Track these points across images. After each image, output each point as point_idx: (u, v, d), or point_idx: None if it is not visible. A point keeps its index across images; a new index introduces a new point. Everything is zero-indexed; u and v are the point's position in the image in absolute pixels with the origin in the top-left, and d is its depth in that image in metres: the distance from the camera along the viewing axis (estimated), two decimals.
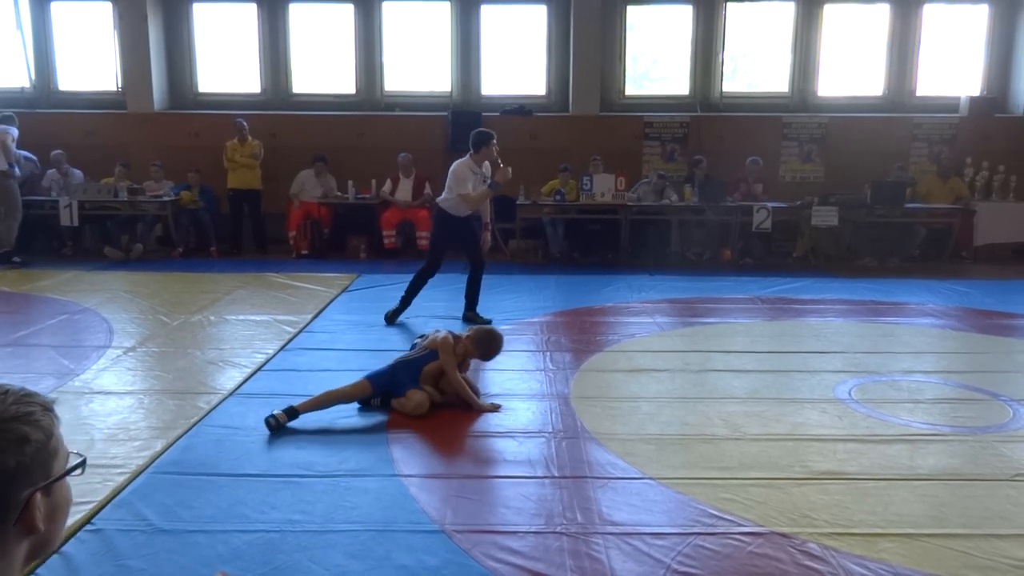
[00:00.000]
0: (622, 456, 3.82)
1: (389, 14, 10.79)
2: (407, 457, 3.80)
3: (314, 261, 9.44)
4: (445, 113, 10.40)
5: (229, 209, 9.82)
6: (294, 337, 5.93)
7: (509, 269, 9.01)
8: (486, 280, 7.46)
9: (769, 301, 7.45)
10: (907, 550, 2.96)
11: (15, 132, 9.04)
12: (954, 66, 10.87)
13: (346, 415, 4.33)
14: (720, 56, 10.75)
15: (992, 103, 10.53)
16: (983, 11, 10.66)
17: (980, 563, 2.88)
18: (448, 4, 10.71)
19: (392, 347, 5.69)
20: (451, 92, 10.89)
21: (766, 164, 10.07)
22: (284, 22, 10.75)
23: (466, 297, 6.68)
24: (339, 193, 10.06)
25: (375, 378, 4.43)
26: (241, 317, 6.54)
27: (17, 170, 9.00)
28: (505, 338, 5.52)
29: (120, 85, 10.76)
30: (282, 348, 5.63)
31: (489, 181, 6.45)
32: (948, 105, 10.64)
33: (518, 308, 7.01)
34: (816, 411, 4.43)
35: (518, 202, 9.65)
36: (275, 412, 4.12)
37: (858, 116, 10.55)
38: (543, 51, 10.84)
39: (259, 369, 5.14)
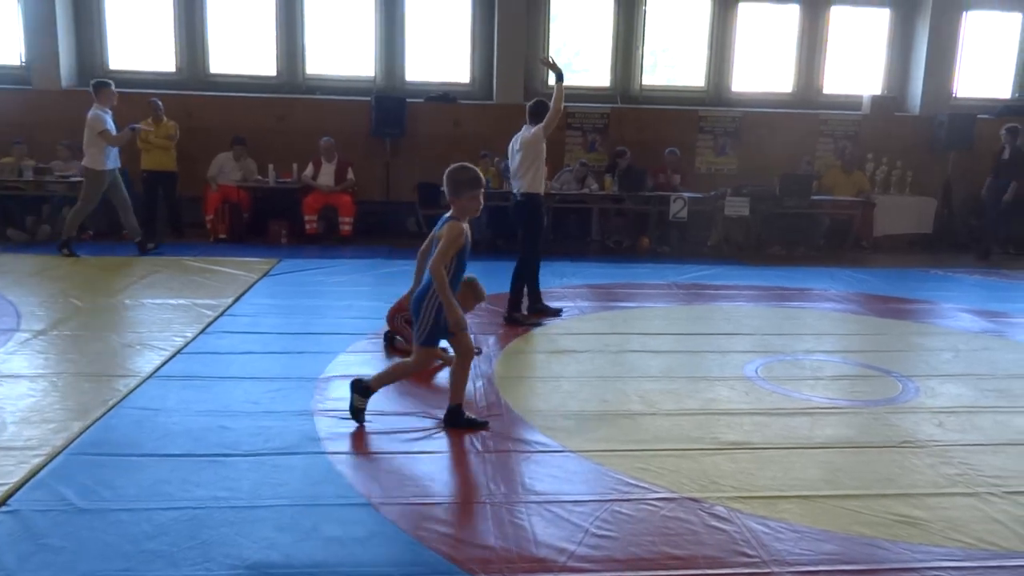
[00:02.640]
0: (544, 431, 3.96)
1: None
2: (334, 434, 3.84)
3: (233, 245, 9.26)
4: (368, 98, 10.34)
5: (143, 191, 9.51)
6: (214, 320, 5.84)
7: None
8: (408, 266, 7.44)
9: (684, 287, 7.75)
10: (804, 510, 3.21)
11: None
12: (858, 66, 11.47)
13: (271, 394, 4.33)
14: (640, 49, 11.03)
15: (892, 102, 11.16)
16: (885, 15, 11.27)
17: (868, 519, 3.15)
18: None
19: (317, 330, 5.70)
20: (375, 77, 10.82)
21: (683, 156, 10.42)
22: None
23: (530, 293, 6.23)
24: (259, 177, 9.90)
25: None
26: (158, 301, 6.39)
27: None
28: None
29: (24, 59, 10.25)
30: (202, 331, 5.55)
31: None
32: (852, 103, 11.22)
33: None
34: (726, 388, 4.69)
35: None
36: (353, 402, 3.95)
37: (769, 111, 11.02)
38: (467, 39, 10.89)
39: (179, 352, 5.06)
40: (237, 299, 6.55)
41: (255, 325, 5.83)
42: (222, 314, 6.04)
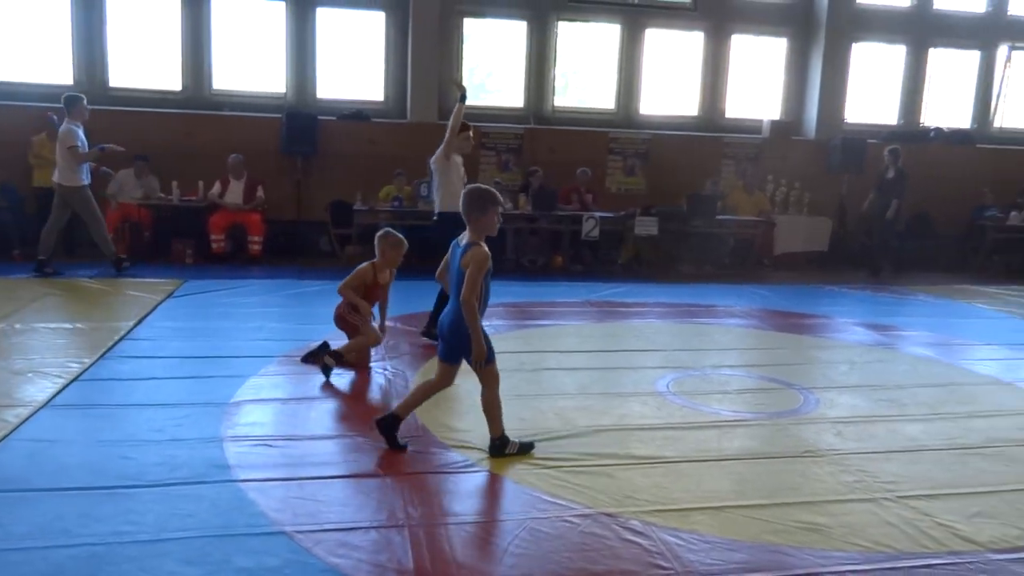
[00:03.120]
0: (462, 451, 3.96)
1: (218, 9, 10.38)
2: (244, 461, 3.73)
3: (133, 266, 8.87)
4: (279, 115, 10.14)
5: (36, 209, 9.02)
6: (114, 345, 5.58)
7: (346, 275, 8.89)
8: (320, 286, 7.39)
9: (597, 304, 7.90)
10: (715, 521, 3.31)
11: None
12: (758, 92, 12.02)
13: (177, 421, 4.16)
14: (552, 71, 11.24)
15: (789, 127, 11.74)
16: (782, 44, 11.86)
17: (775, 527, 3.27)
18: (283, 4, 10.47)
19: (226, 353, 5.52)
20: (285, 93, 10.64)
21: (594, 176, 10.65)
22: (101, 8, 10.05)
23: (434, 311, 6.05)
24: (162, 195, 9.55)
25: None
26: (52, 325, 6.06)
27: None
28: (343, 343, 5.52)
29: None
30: (101, 357, 5.29)
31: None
32: (753, 127, 11.74)
33: None
34: (639, 403, 4.80)
35: (355, 207, 9.60)
36: (393, 444, 3.87)
37: (676, 134, 11.40)
38: (381, 58, 10.85)
39: (75, 379, 4.81)
40: (139, 322, 6.28)
41: (159, 349, 5.60)
42: (123, 338, 5.77)
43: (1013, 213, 11.28)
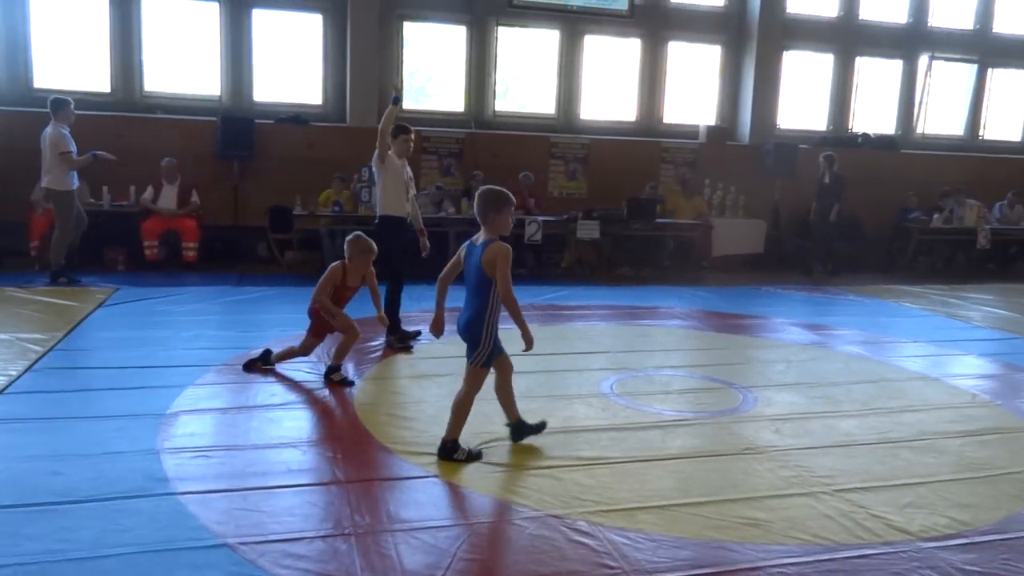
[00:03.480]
0: (407, 457, 3.93)
1: (150, 9, 10.10)
2: (184, 473, 3.62)
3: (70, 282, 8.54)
4: (214, 118, 9.92)
5: None
6: (42, 356, 5.36)
7: (285, 281, 8.78)
8: (260, 293, 7.26)
9: (540, 308, 7.94)
10: (660, 519, 3.36)
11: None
12: (694, 98, 12.28)
13: (111, 434, 4.02)
14: (492, 76, 11.28)
15: (724, 132, 12.02)
16: (716, 51, 12.14)
17: (717, 524, 3.34)
18: (216, 5, 10.25)
19: (161, 363, 5.36)
20: (220, 96, 10.42)
21: (536, 180, 10.71)
22: (24, 6, 9.67)
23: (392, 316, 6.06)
24: (92, 200, 9.22)
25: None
26: None
27: None
28: (286, 349, 5.44)
29: None
30: (28, 369, 5.08)
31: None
32: (690, 132, 11.98)
33: (297, 320, 6.84)
34: (584, 405, 4.84)
35: (294, 212, 9.45)
36: (458, 456, 3.86)
37: (616, 139, 11.56)
38: (319, 60, 10.72)
39: (0, 393, 4.60)
40: (69, 332, 6.05)
41: (91, 360, 5.41)
42: (51, 349, 5.55)
43: (936, 215, 11.78)
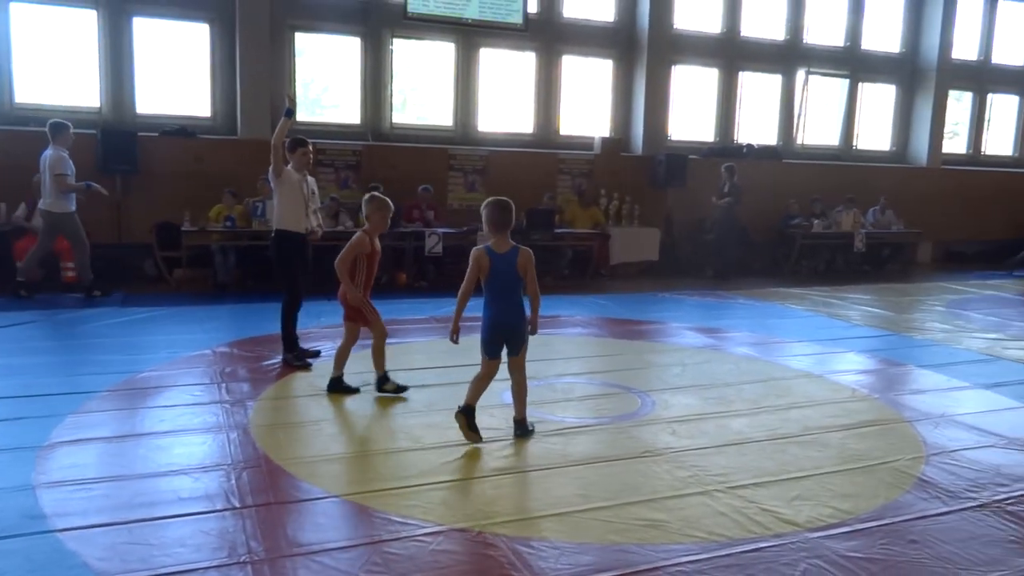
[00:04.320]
0: (306, 479, 3.83)
1: (20, 17, 9.51)
2: (63, 509, 3.41)
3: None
4: (93, 131, 9.43)
5: None
6: None
7: (176, 300, 8.42)
8: (147, 313, 6.94)
9: (443, 320, 7.90)
10: (564, 526, 3.40)
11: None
12: (589, 110, 12.56)
13: None
14: (388, 88, 11.20)
15: (618, 144, 12.34)
16: (608, 65, 12.47)
17: (618, 527, 3.41)
18: (94, 12, 9.77)
19: (39, 391, 5.03)
20: (100, 108, 9.91)
21: (436, 192, 10.69)
22: None
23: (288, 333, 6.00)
24: None
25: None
26: None
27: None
28: (177, 373, 5.23)
29: None
30: None
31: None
32: (585, 144, 12.24)
33: (188, 341, 6.58)
34: (486, 416, 4.82)
35: (183, 228, 9.08)
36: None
37: (513, 151, 11.68)
38: (207, 71, 10.37)
39: None
40: None
41: None
42: None
43: (816, 221, 12.45)
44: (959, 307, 9.56)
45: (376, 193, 5.44)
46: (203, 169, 9.77)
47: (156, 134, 9.76)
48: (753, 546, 3.29)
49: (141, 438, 4.34)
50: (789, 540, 3.35)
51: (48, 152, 7.90)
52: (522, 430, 4.48)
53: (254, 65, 10.13)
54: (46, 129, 8.02)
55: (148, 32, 10.09)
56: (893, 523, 3.55)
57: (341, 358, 5.31)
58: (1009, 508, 3.74)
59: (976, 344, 7.42)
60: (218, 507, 3.51)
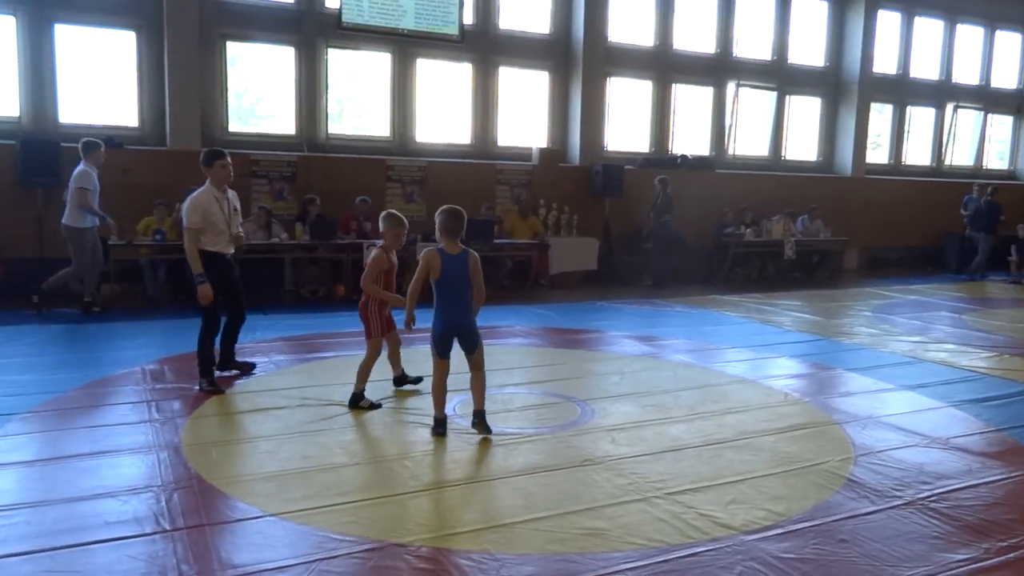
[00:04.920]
0: (241, 498, 3.73)
1: None
2: None
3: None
4: (12, 142, 9.05)
5: None
6: None
7: (102, 317, 8.13)
8: (75, 329, 6.70)
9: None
10: (504, 538, 3.39)
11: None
12: (526, 121, 12.64)
13: None
14: (324, 98, 11.07)
15: (556, 154, 12.45)
16: (545, 77, 12.58)
17: (560, 537, 3.42)
18: (12, 19, 9.39)
19: None
20: (20, 118, 9.53)
21: (373, 203, 10.58)
22: None
23: (221, 350, 5.86)
24: None
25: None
26: None
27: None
28: (104, 392, 5.06)
29: None
30: None
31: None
32: (523, 155, 12.31)
33: (116, 359, 6.36)
34: (425, 429, 4.81)
35: (110, 242, 8.78)
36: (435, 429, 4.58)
37: (452, 161, 11.67)
38: (134, 79, 10.07)
39: None
40: None
41: None
42: None
43: (747, 230, 12.79)
44: (884, 312, 9.93)
45: (393, 211, 5.50)
46: (131, 180, 9.47)
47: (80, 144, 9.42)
48: (691, 551, 3.34)
49: (65, 461, 4.17)
50: (725, 544, 3.42)
51: (79, 168, 7.98)
52: (481, 419, 4.63)
53: (183, 74, 9.89)
54: (78, 146, 8.12)
55: (71, 39, 9.76)
56: (824, 523, 3.65)
57: (393, 358, 5.67)
58: (932, 505, 3.88)
59: (900, 347, 7.71)
60: (147, 531, 3.39)
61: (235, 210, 5.74)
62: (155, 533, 3.36)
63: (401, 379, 5.77)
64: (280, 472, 4.08)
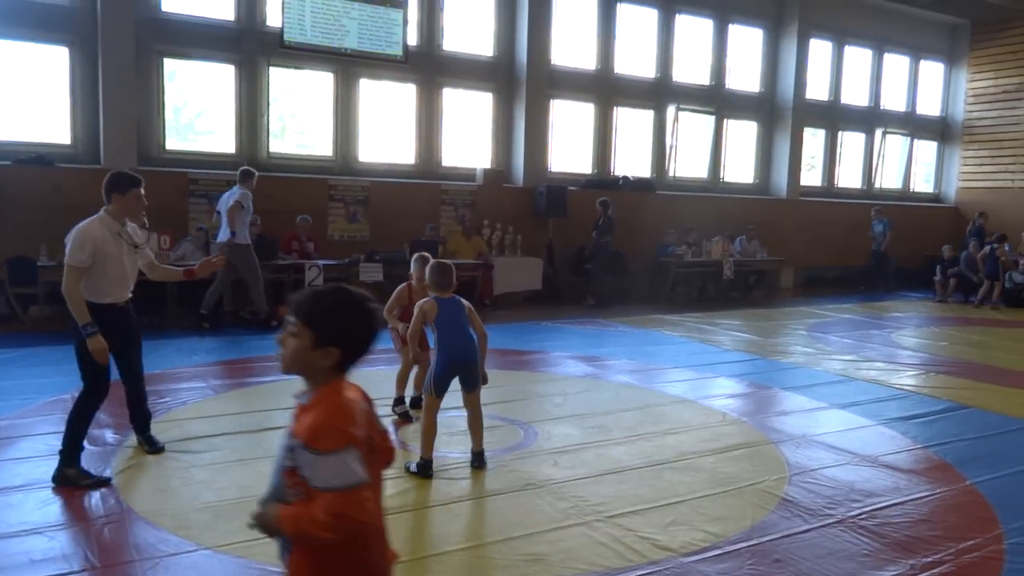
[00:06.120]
0: (174, 531, 3.63)
1: None
2: None
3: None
4: None
5: None
6: None
7: (31, 340, 7.85)
8: (2, 356, 6.45)
9: None
10: (445, 566, 3.38)
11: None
12: (470, 142, 12.71)
13: None
14: (265, 116, 10.94)
15: (500, 175, 12.54)
16: (488, 98, 12.68)
17: (501, 564, 3.42)
18: None
19: None
20: None
21: (316, 223, 10.49)
22: None
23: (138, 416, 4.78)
24: None
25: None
26: None
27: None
28: (28, 422, 4.88)
29: None
30: None
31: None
32: (468, 175, 12.36)
33: (43, 386, 6.14)
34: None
35: (39, 264, 8.50)
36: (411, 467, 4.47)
37: (396, 181, 11.64)
38: (67, 97, 9.80)
39: None
40: None
41: None
42: None
43: (688, 250, 13.05)
44: (819, 330, 10.23)
45: (424, 254, 5.56)
46: (63, 200, 9.18)
47: (9, 162, 9.13)
48: (631, 574, 3.38)
49: None
50: (664, 566, 3.47)
51: (234, 190, 8.79)
52: (480, 461, 4.64)
53: (117, 91, 9.67)
54: (237, 173, 9.05)
55: (1, 55, 9.46)
56: (759, 543, 3.73)
57: (417, 380, 5.72)
58: (862, 523, 4.01)
59: (834, 366, 7.96)
60: (75, 568, 3.27)
61: (135, 247, 4.47)
62: (83, 571, 3.25)
63: (403, 401, 5.87)
64: (217, 503, 3.99)
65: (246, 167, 9.18)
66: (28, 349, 7.43)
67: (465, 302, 4.67)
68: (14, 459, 4.52)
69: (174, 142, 10.60)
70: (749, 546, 3.70)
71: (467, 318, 4.59)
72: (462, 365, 4.55)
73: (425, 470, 4.46)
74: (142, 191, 4.46)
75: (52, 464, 4.43)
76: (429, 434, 4.52)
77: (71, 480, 4.17)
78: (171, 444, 4.94)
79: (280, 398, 6.09)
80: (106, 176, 4.44)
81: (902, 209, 16.90)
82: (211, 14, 10.52)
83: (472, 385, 4.63)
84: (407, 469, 4.48)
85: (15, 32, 9.47)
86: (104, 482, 4.21)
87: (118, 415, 5.39)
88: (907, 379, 7.48)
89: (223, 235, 8.82)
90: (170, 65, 10.44)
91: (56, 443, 4.77)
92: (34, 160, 9.29)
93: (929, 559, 3.63)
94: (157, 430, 5.11)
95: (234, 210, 8.68)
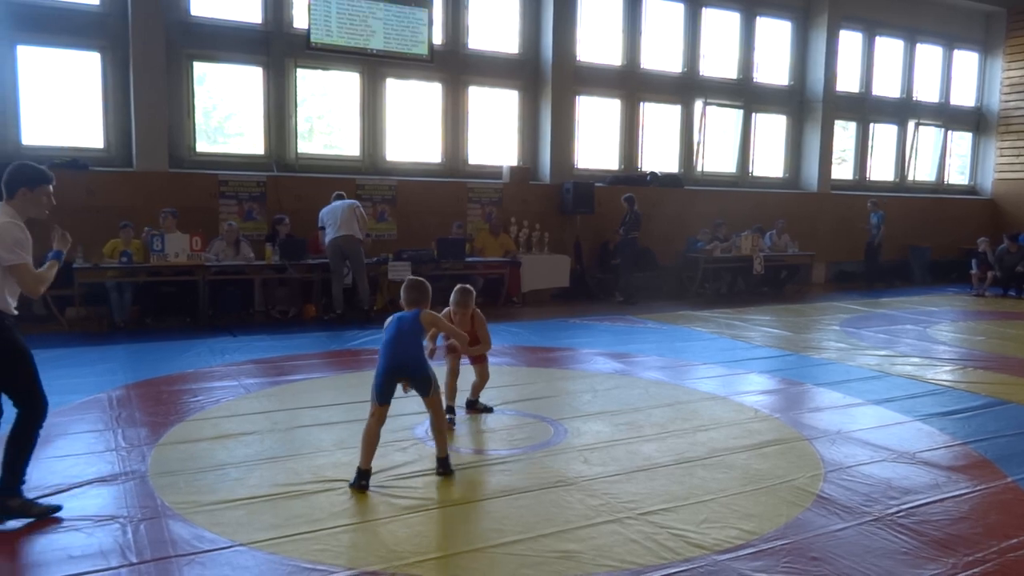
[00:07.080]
0: (209, 527, 3.67)
1: None
2: None
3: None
4: None
5: None
6: None
7: (68, 341, 7.99)
8: (38, 355, 6.54)
9: (353, 353, 7.78)
10: (476, 563, 3.37)
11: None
12: (497, 140, 12.70)
13: None
14: (293, 117, 11.03)
15: (527, 172, 12.51)
16: (514, 96, 12.66)
17: (532, 560, 3.41)
18: None
19: None
20: None
21: None
22: None
23: (8, 463, 3.77)
24: None
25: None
26: None
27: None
28: (65, 420, 4.96)
29: None
30: None
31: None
32: (494, 173, 12.36)
33: (80, 385, 6.24)
34: (398, 452, 4.78)
35: (75, 266, 8.65)
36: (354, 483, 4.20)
37: (422, 180, 11.68)
38: (99, 101, 9.96)
39: None
40: None
41: None
42: None
43: (719, 244, 12.92)
44: (852, 326, 10.08)
45: (463, 285, 5.46)
46: (96, 203, 9.35)
47: (45, 167, 9.27)
48: (663, 572, 3.34)
49: (27, 493, 4.06)
50: (698, 564, 3.42)
51: (346, 201, 9.64)
52: (444, 467, 4.42)
53: (149, 95, 9.81)
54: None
55: (34, 61, 9.64)
56: (795, 541, 3.68)
57: (475, 386, 5.79)
58: (900, 521, 3.93)
59: (868, 361, 7.83)
60: (113, 564, 3.31)
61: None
62: (121, 567, 3.29)
63: (474, 404, 5.83)
64: (249, 499, 4.02)
65: (338, 192, 9.93)
66: (65, 349, 7.56)
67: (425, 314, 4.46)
68: (52, 457, 4.59)
69: (204, 144, 10.73)
70: (784, 544, 3.64)
71: (412, 327, 4.37)
72: (398, 372, 4.34)
73: (359, 480, 4.14)
74: (48, 189, 4.08)
75: (89, 463, 4.52)
76: (367, 442, 4.22)
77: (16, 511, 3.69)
78: (204, 443, 4.99)
79: (309, 397, 6.14)
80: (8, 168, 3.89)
81: (937, 202, 16.59)
82: (239, 17, 10.63)
83: (422, 391, 4.40)
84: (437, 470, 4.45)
85: (49, 39, 9.65)
86: (48, 513, 3.75)
87: (155, 415, 5.48)
88: (944, 374, 7.34)
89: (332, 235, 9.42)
90: (199, 68, 10.58)
91: (93, 440, 4.85)
92: (68, 164, 9.45)
93: (971, 557, 3.55)
94: (193, 430, 5.17)
95: (363, 215, 9.68)
